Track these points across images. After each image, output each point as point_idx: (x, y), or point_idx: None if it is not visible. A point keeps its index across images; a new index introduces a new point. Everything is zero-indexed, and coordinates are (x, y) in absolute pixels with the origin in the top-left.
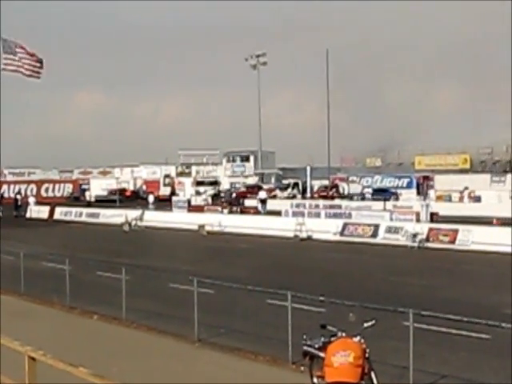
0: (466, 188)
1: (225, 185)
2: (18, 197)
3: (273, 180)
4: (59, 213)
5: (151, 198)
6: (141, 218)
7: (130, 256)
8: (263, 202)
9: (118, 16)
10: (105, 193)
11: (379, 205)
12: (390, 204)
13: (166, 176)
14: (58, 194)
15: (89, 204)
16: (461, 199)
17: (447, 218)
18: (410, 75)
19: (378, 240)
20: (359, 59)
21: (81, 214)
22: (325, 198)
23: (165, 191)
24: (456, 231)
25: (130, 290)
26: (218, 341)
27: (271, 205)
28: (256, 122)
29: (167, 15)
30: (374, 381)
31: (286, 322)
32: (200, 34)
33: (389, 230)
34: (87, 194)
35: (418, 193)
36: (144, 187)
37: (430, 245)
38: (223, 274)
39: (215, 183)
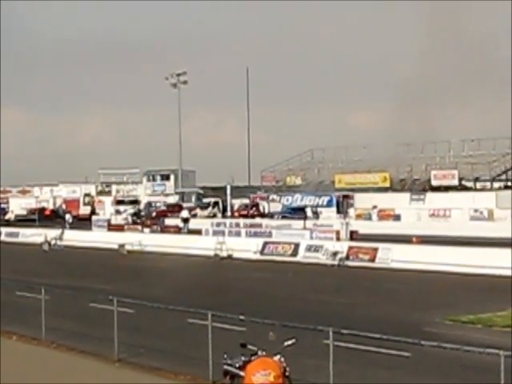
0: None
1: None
2: None
3: (193, 199)
4: None
5: (68, 217)
6: (60, 238)
7: (49, 276)
8: (186, 221)
9: (37, 30)
10: (24, 212)
11: (299, 223)
12: (310, 223)
13: (86, 195)
14: None
15: (8, 223)
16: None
17: (367, 236)
18: (329, 93)
19: (299, 258)
20: (280, 78)
21: None
22: (245, 216)
23: (85, 210)
24: (376, 249)
25: (49, 310)
26: (139, 360)
27: (192, 224)
28: (176, 140)
29: (88, 31)
30: None
31: (206, 341)
32: (120, 51)
33: (309, 248)
34: (6, 213)
35: (338, 211)
36: (64, 206)
37: (350, 263)
38: (143, 293)
39: (135, 202)
